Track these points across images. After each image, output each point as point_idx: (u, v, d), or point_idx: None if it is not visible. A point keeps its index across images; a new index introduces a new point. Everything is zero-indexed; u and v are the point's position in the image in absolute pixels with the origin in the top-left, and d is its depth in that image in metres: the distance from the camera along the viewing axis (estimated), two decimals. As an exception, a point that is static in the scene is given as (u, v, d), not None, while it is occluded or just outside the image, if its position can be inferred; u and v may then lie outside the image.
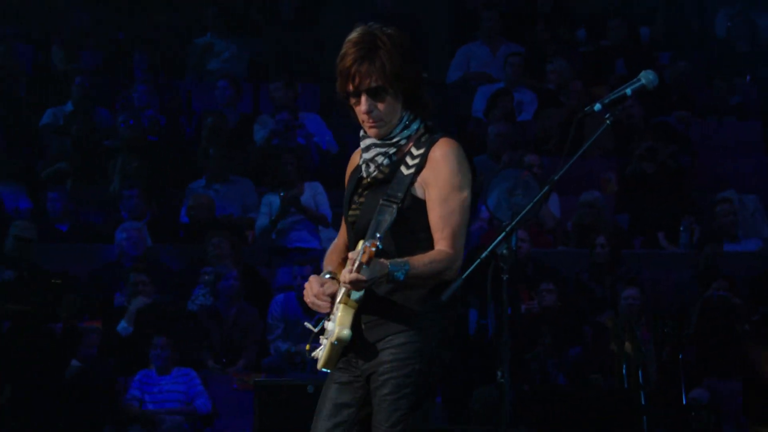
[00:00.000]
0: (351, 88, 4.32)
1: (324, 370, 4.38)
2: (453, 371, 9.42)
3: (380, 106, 4.32)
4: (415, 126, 4.40)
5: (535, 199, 4.29)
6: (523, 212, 4.26)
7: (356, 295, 4.24)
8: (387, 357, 4.29)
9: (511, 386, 4.21)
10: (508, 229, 4.20)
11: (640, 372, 8.78)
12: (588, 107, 4.36)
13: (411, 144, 4.38)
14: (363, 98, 4.32)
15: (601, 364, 9.51)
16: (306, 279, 4.51)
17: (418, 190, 4.32)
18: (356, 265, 4.06)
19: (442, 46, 14.29)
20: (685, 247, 11.35)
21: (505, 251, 4.18)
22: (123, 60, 13.75)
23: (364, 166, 4.43)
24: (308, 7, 14.30)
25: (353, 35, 4.32)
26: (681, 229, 11.41)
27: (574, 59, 13.74)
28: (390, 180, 4.33)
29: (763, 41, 14.15)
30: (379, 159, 4.38)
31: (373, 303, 4.29)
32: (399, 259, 4.17)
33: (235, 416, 9.90)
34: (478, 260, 4.20)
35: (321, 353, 4.36)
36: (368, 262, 4.03)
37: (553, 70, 13.20)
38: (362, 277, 4.09)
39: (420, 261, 4.20)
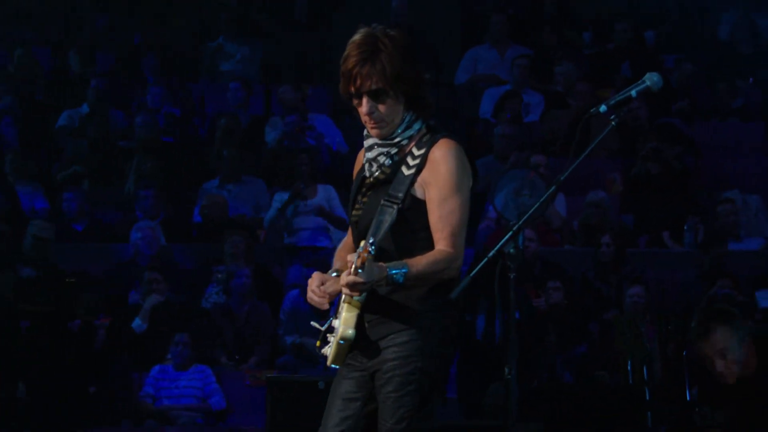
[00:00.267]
0: (353, 89, 4.32)
1: (333, 366, 4.39)
2: (467, 367, 9.43)
3: (381, 107, 4.32)
4: (416, 126, 4.39)
5: (542, 199, 4.28)
6: (530, 212, 4.26)
7: (360, 295, 4.24)
8: (390, 355, 4.29)
9: (518, 382, 4.20)
10: (515, 228, 4.19)
11: (644, 369, 8.77)
12: (594, 109, 4.35)
13: (413, 144, 4.37)
14: (364, 100, 4.32)
15: (606, 360, 9.49)
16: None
17: (418, 190, 4.31)
18: (352, 269, 4.06)
19: (451, 48, 14.28)
20: (690, 246, 11.33)
21: (512, 250, 4.18)
22: (137, 63, 13.77)
23: (367, 166, 4.43)
24: (319, 11, 14.30)
25: (356, 37, 4.32)
26: (685, 228, 11.39)
27: (580, 62, 13.73)
28: (392, 180, 4.33)
29: (766, 44, 14.12)
30: (381, 159, 4.38)
31: (375, 302, 4.29)
32: (398, 262, 4.17)
33: (247, 412, 9.91)
34: (486, 259, 4.19)
35: (329, 351, 4.36)
36: (362, 266, 4.03)
37: (560, 73, 13.20)
38: (359, 279, 4.08)
39: (419, 262, 4.20)
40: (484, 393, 8.98)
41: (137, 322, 10.31)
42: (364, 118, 4.35)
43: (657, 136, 12.00)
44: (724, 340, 5.66)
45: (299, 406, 7.48)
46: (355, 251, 4.13)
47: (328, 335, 4.41)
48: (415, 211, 4.30)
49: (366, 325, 4.33)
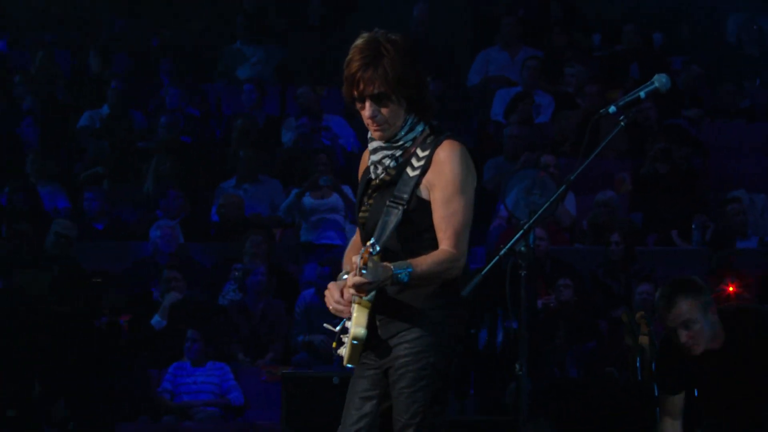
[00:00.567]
0: (356, 93, 4.33)
1: (348, 366, 4.40)
2: (486, 365, 9.43)
3: (384, 111, 4.32)
4: (419, 128, 4.39)
5: (552, 198, 4.27)
6: (541, 211, 4.25)
7: (368, 295, 4.25)
8: (401, 352, 4.30)
9: (529, 379, 4.20)
10: (526, 227, 4.19)
11: (653, 365, 8.74)
12: (603, 110, 4.34)
13: (417, 146, 4.38)
14: (367, 104, 4.32)
15: (615, 357, 9.47)
16: (325, 279, 4.55)
17: (423, 191, 4.32)
18: (356, 269, 4.07)
19: (462, 50, 14.27)
20: (697, 244, 11.32)
21: (523, 248, 4.17)
22: (155, 65, 13.80)
23: (372, 168, 4.43)
24: (332, 14, 14.31)
25: (359, 42, 4.32)
26: (693, 227, 11.37)
27: (589, 63, 13.71)
28: (396, 182, 4.33)
29: (772, 46, 14.12)
30: (386, 161, 4.38)
31: (385, 302, 4.30)
32: (402, 262, 4.17)
33: (264, 407, 9.92)
34: (497, 257, 4.19)
35: (344, 351, 4.38)
36: (365, 266, 4.04)
37: (570, 74, 13.19)
38: (364, 280, 4.09)
39: (424, 262, 4.20)
40: (499, 390, 8.98)
41: (156, 319, 10.32)
42: (367, 121, 4.37)
43: (665, 136, 11.99)
44: (688, 312, 5.55)
45: (314, 401, 7.49)
46: None
47: (342, 336, 4.41)
48: (420, 211, 4.30)
49: (377, 323, 4.34)
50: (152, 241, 11.01)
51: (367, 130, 4.47)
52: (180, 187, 11.77)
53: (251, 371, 10.26)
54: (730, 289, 9.99)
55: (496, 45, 13.93)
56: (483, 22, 14.59)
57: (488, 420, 8.41)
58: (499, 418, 8.38)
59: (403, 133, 4.38)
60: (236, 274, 10.65)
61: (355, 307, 4.29)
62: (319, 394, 7.45)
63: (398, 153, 4.38)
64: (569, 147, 12.23)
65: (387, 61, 4.27)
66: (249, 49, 13.96)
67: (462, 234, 4.27)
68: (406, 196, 4.28)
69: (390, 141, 4.38)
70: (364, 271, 4.05)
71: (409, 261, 4.18)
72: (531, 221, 4.20)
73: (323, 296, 4.48)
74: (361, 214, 4.45)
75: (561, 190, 4.28)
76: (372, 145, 4.43)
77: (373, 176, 4.43)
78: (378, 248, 4.08)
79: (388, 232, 4.19)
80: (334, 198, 11.49)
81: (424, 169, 4.32)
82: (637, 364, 8.83)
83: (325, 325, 4.52)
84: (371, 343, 4.33)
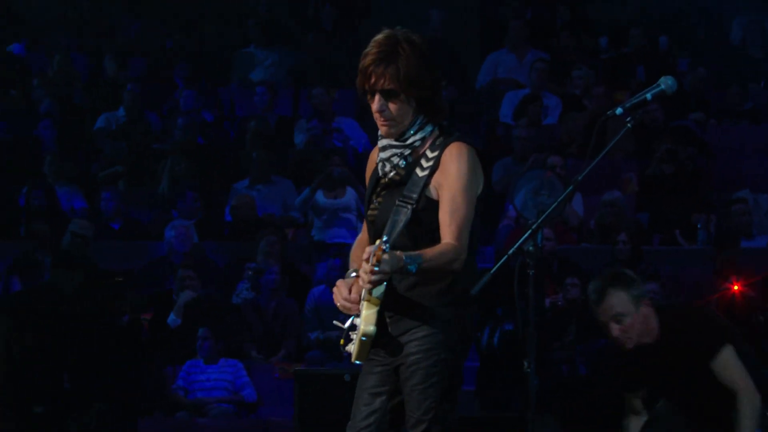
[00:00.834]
0: (366, 86, 4.34)
1: (357, 362, 4.40)
2: (487, 364, 9.43)
3: (392, 106, 4.33)
4: (429, 128, 4.39)
5: (560, 199, 4.27)
6: (548, 211, 4.24)
7: (377, 292, 4.25)
8: (412, 349, 4.30)
9: (536, 376, 4.19)
10: (534, 227, 4.18)
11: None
12: (610, 111, 4.33)
13: (426, 146, 4.38)
14: (376, 97, 4.33)
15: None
16: (337, 271, 4.56)
17: (432, 191, 4.32)
18: (368, 265, 4.06)
19: (471, 53, 14.27)
20: (702, 243, 11.30)
21: (531, 248, 4.17)
22: (170, 68, 13.82)
23: (380, 165, 4.43)
24: (345, 18, 14.31)
25: (379, 36, 4.34)
26: (698, 227, 11.35)
27: (596, 66, 13.71)
28: (406, 181, 4.33)
29: (777, 48, 14.10)
30: (395, 159, 4.39)
31: (394, 299, 4.30)
32: (413, 252, 4.17)
33: (277, 404, 9.92)
34: (506, 256, 4.18)
35: (353, 348, 4.37)
36: (378, 264, 4.04)
37: (577, 76, 13.18)
38: (378, 270, 4.08)
39: (431, 253, 4.19)
40: (500, 389, 8.97)
41: (171, 318, 10.34)
42: (375, 115, 4.37)
43: (671, 138, 11.97)
44: (619, 305, 5.46)
45: (326, 398, 7.49)
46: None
47: (350, 333, 4.41)
48: (429, 211, 4.30)
49: (387, 320, 4.34)
50: (167, 240, 11.02)
51: (378, 131, 4.47)
52: (194, 187, 11.79)
53: (264, 368, 10.26)
54: (735, 288, 9.97)
55: (504, 48, 13.92)
56: (491, 25, 14.59)
57: (495, 417, 8.41)
58: (506, 415, 8.38)
59: (411, 132, 4.37)
60: (249, 273, 10.65)
61: (364, 304, 4.29)
62: (331, 391, 7.46)
63: (407, 152, 4.38)
64: (576, 148, 12.22)
65: (402, 59, 4.27)
66: (262, 52, 13.98)
67: (464, 229, 4.27)
68: (415, 195, 4.29)
69: (399, 140, 4.38)
70: (377, 269, 4.05)
71: (419, 252, 4.18)
72: (539, 221, 4.19)
73: (333, 289, 4.48)
74: (370, 212, 4.45)
75: (568, 190, 4.28)
76: (381, 143, 4.43)
77: (381, 174, 4.43)
78: (389, 246, 4.08)
79: (398, 230, 4.19)
80: (347, 197, 11.52)
81: (433, 170, 4.32)
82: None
83: (334, 322, 4.52)
84: (380, 340, 4.33)
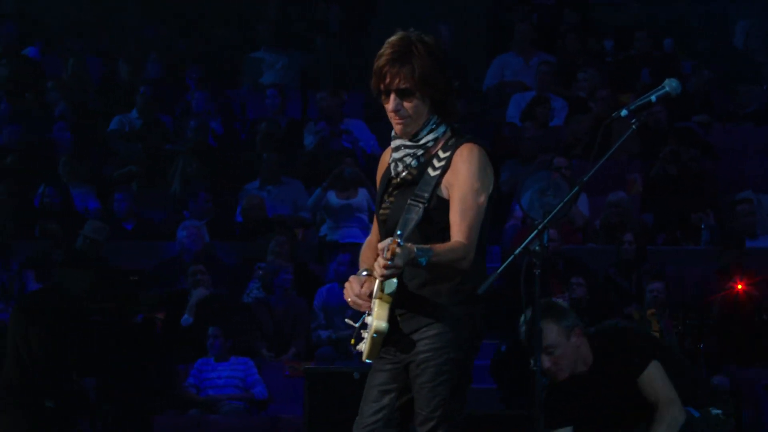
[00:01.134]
0: (382, 86, 4.34)
1: (368, 360, 4.39)
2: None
3: (407, 105, 4.32)
4: (441, 129, 4.39)
5: (566, 199, 4.26)
6: (554, 211, 4.24)
7: (389, 289, 4.26)
8: (423, 347, 4.30)
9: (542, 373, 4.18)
10: (540, 227, 4.18)
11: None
12: (615, 113, 4.33)
13: (439, 147, 4.38)
14: (391, 97, 4.33)
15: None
16: (345, 265, 4.55)
17: (443, 191, 4.32)
18: (381, 260, 4.06)
19: (478, 56, 14.26)
20: (706, 243, 11.29)
21: (537, 248, 4.16)
22: (182, 71, 13.84)
23: (392, 165, 4.43)
24: (352, 21, 14.32)
25: (392, 38, 4.35)
26: (702, 227, 11.34)
27: (602, 68, 13.70)
28: (418, 181, 4.33)
29: (780, 51, 14.08)
30: (408, 160, 4.39)
31: (406, 297, 4.30)
32: (424, 245, 4.17)
33: (287, 401, 9.93)
34: (512, 256, 4.18)
35: (364, 346, 4.37)
36: (392, 259, 4.04)
37: (583, 79, 13.17)
38: (392, 265, 4.08)
39: (441, 248, 4.20)
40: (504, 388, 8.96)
41: (184, 317, 10.34)
42: (390, 115, 4.37)
43: (675, 139, 11.96)
44: (549, 337, 5.34)
45: (336, 396, 7.48)
46: None
47: (362, 331, 4.40)
48: (440, 210, 4.30)
49: (398, 319, 4.33)
50: (179, 240, 11.04)
51: (388, 133, 4.47)
52: (206, 188, 11.81)
53: (275, 366, 10.27)
54: (739, 286, 9.96)
55: (511, 51, 13.92)
56: (498, 29, 14.59)
57: (502, 414, 8.40)
58: (513, 413, 8.37)
59: (425, 133, 4.38)
60: (260, 272, 10.66)
61: (376, 302, 4.28)
62: (341, 389, 7.45)
63: (420, 152, 4.38)
64: (581, 150, 12.21)
65: (416, 59, 4.28)
66: (272, 55, 13.99)
67: (474, 228, 4.28)
68: (427, 195, 4.29)
69: (412, 140, 4.38)
70: (390, 263, 4.04)
71: (430, 246, 4.18)
72: (545, 221, 4.19)
73: (343, 285, 4.48)
74: (381, 211, 4.45)
75: (574, 191, 4.27)
76: (395, 143, 4.43)
77: (393, 174, 4.43)
78: (402, 242, 4.08)
79: (409, 228, 4.19)
80: (359, 198, 11.54)
81: (444, 170, 4.32)
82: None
83: (346, 320, 4.52)
84: (391, 338, 4.33)
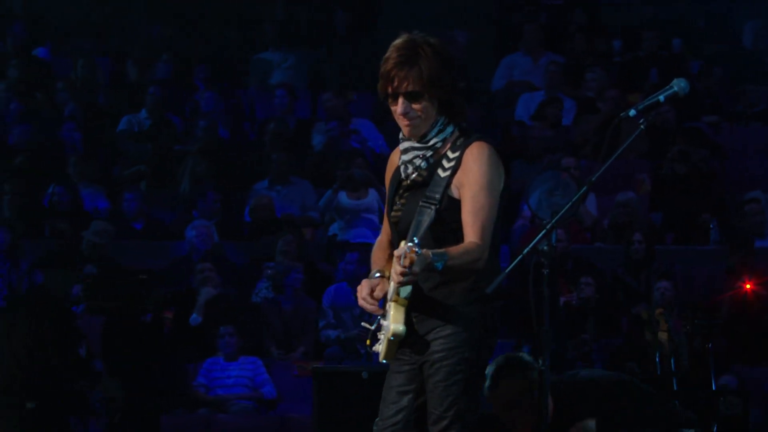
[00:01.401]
0: (390, 90, 4.32)
1: (384, 362, 4.41)
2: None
3: (416, 107, 4.32)
4: (449, 129, 4.39)
5: (574, 199, 4.25)
6: (563, 211, 4.23)
7: (405, 293, 4.26)
8: (437, 347, 4.30)
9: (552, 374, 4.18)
10: (548, 226, 4.17)
11: (672, 360, 8.70)
12: (624, 113, 4.32)
13: (447, 147, 4.37)
14: (400, 100, 4.32)
15: (636, 352, 9.44)
16: (354, 264, 4.55)
17: (454, 191, 4.31)
18: (399, 267, 4.05)
19: (487, 56, 14.25)
20: (715, 243, 11.27)
21: (545, 247, 4.16)
22: (191, 71, 13.85)
23: (402, 167, 4.43)
24: (359, 22, 14.32)
25: (398, 41, 4.33)
26: (711, 226, 11.33)
27: (610, 68, 13.68)
28: (428, 182, 4.33)
29: (788, 51, 14.05)
30: (417, 161, 4.38)
31: (420, 299, 4.30)
32: (439, 250, 4.16)
33: (296, 400, 9.93)
34: (521, 256, 4.18)
35: (380, 348, 4.38)
36: (410, 267, 4.04)
37: (591, 79, 13.16)
38: (410, 272, 4.07)
39: (456, 251, 4.19)
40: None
41: (193, 316, 10.35)
42: (399, 117, 4.36)
43: (684, 139, 11.94)
44: (510, 393, 5.32)
45: (344, 395, 7.48)
46: (391, 250, 4.12)
47: (378, 334, 4.41)
48: (451, 211, 4.30)
49: (414, 320, 4.34)
50: (188, 240, 11.05)
51: (396, 133, 4.46)
52: (215, 188, 11.81)
53: (284, 366, 10.27)
54: (747, 286, 9.95)
55: (520, 51, 13.91)
56: (506, 29, 14.58)
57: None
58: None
59: (433, 134, 4.37)
60: (269, 272, 10.66)
61: (392, 305, 4.29)
62: (349, 388, 7.44)
63: (429, 153, 4.38)
64: (590, 149, 12.20)
65: (423, 61, 4.28)
66: (280, 55, 14.00)
67: (487, 228, 4.27)
68: (438, 196, 4.28)
69: (420, 141, 4.37)
70: (408, 270, 4.05)
71: (444, 250, 4.18)
72: (553, 221, 4.18)
73: (352, 282, 4.49)
74: (393, 214, 4.44)
75: (582, 191, 4.26)
76: (403, 145, 4.42)
77: (403, 176, 4.43)
78: (419, 249, 4.07)
79: (422, 231, 4.19)
80: (370, 198, 11.55)
81: (455, 170, 4.31)
82: (657, 359, 8.81)
83: (363, 324, 4.53)
84: (407, 340, 4.33)
